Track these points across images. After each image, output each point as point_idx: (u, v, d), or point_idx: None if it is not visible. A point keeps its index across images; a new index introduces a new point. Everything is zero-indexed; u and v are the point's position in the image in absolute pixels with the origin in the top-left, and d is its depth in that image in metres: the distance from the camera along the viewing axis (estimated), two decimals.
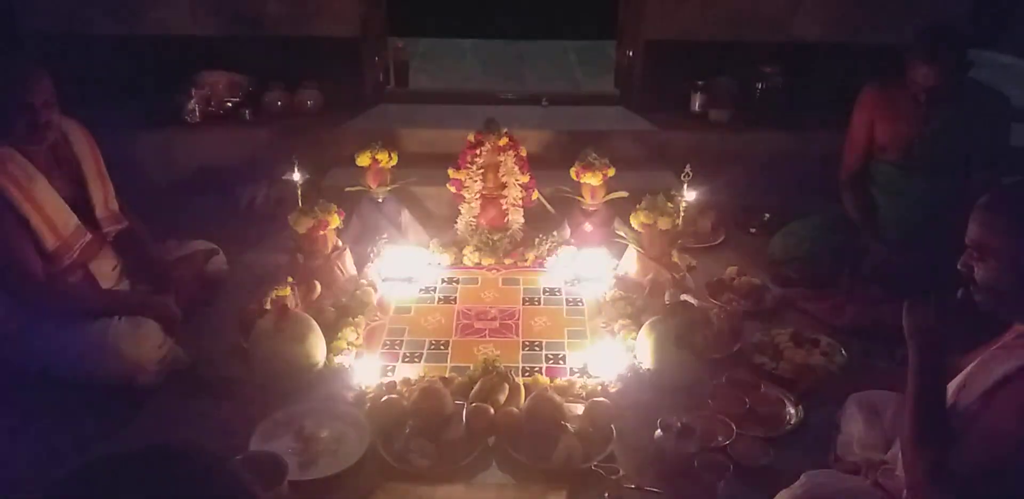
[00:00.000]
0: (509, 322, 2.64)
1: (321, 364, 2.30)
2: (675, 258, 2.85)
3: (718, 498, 1.77)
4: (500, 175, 3.06)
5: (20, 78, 2.14)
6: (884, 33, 3.78)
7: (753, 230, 3.39)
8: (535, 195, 3.15)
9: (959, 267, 1.43)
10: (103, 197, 2.43)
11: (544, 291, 2.86)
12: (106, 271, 2.44)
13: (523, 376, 2.31)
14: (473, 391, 2.13)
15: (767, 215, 3.41)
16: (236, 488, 0.81)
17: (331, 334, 2.42)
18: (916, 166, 2.75)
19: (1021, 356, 1.32)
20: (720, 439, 2.00)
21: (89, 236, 2.33)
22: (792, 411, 2.14)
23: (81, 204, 2.35)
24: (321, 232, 2.76)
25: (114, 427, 2.09)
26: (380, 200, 3.17)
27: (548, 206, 3.22)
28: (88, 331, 2.20)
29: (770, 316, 2.70)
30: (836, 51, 3.83)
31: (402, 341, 2.52)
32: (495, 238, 3.06)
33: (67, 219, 2.27)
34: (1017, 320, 1.41)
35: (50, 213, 2.21)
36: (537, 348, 2.49)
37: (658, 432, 1.93)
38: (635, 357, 2.33)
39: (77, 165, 2.37)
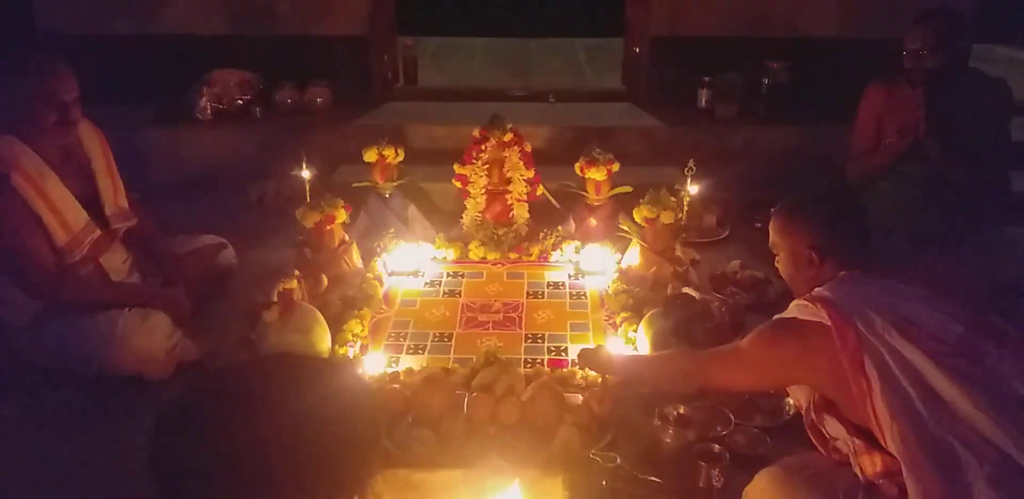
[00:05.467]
0: (513, 315, 2.67)
1: (326, 355, 2.33)
2: (679, 252, 2.86)
3: (714, 486, 1.79)
4: (505, 170, 3.09)
5: (51, 75, 2.17)
6: (891, 28, 3.77)
7: (759, 225, 3.38)
8: (540, 190, 3.18)
9: (775, 263, 1.84)
10: (112, 194, 2.45)
11: (548, 285, 2.88)
12: (116, 265, 2.48)
13: (525, 368, 2.34)
14: (475, 381, 2.16)
15: (773, 210, 3.39)
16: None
17: (337, 326, 2.45)
18: (920, 151, 2.76)
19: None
20: (718, 429, 2.02)
21: (99, 232, 2.36)
22: (791, 402, 2.14)
23: (91, 201, 2.38)
24: (328, 226, 2.80)
25: (122, 418, 2.13)
26: (387, 195, 3.21)
27: (553, 201, 3.24)
28: (98, 322, 2.24)
29: (773, 309, 2.67)
30: (843, 46, 3.83)
31: (407, 333, 2.56)
32: (500, 233, 3.08)
33: (77, 215, 2.30)
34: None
35: (61, 209, 2.25)
36: (540, 340, 2.52)
37: (656, 421, 1.95)
38: (636, 349, 2.35)
39: (87, 162, 2.40)
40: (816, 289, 1.65)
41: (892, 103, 2.83)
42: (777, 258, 1.83)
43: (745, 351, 1.70)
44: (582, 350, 2.15)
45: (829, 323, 1.53)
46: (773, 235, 1.81)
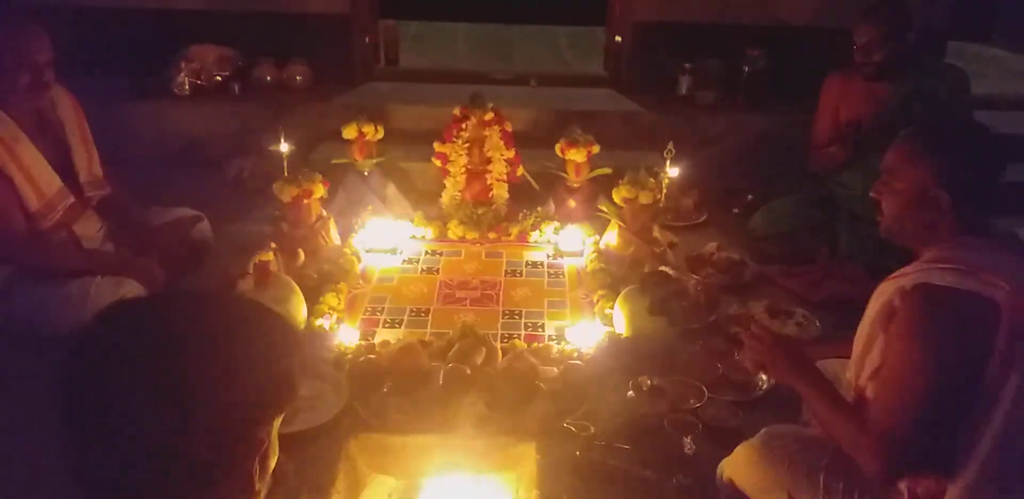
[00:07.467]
0: (491, 292, 2.67)
1: (302, 326, 2.32)
2: (656, 233, 2.88)
3: (685, 454, 1.81)
4: (485, 150, 3.08)
5: (25, 37, 2.15)
6: None
7: (736, 211, 3.42)
8: (520, 171, 3.18)
9: (871, 195, 1.53)
10: (87, 162, 2.44)
11: (527, 264, 2.88)
12: (90, 233, 2.46)
13: (501, 342, 2.34)
14: (451, 353, 2.16)
15: (750, 196, 3.43)
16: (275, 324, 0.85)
17: (313, 298, 2.44)
18: (879, 141, 2.79)
19: (899, 282, 1.39)
20: (692, 402, 2.04)
21: (72, 199, 2.35)
22: (764, 377, 2.17)
23: (65, 168, 2.36)
24: (305, 201, 2.78)
25: None
26: (366, 173, 3.19)
27: (533, 182, 3.24)
28: (70, 289, 2.22)
29: (748, 290, 2.73)
30: (822, 35, 3.85)
31: (383, 308, 2.55)
32: (479, 212, 3.08)
33: (50, 180, 2.28)
34: (913, 246, 1.48)
35: (33, 173, 2.23)
36: (517, 317, 2.52)
37: (630, 392, 1.96)
38: (612, 325, 2.37)
39: (61, 128, 2.38)
40: (964, 254, 1.35)
41: (847, 94, 2.88)
42: (885, 188, 1.49)
43: (923, 359, 1.31)
44: (781, 340, 1.63)
45: (998, 298, 1.26)
46: (895, 160, 1.46)
